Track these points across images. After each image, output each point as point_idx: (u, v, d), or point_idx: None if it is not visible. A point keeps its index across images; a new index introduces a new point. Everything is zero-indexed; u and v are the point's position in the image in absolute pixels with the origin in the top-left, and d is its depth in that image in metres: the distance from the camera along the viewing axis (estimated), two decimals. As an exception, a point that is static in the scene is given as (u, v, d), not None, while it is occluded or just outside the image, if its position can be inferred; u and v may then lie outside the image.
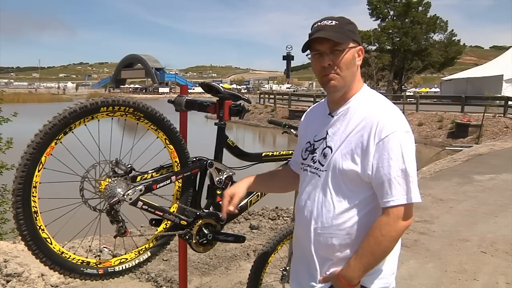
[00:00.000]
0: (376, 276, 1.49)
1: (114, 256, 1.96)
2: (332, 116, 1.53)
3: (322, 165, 1.50)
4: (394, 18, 41.76)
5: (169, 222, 1.90)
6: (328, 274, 1.50)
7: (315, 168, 1.53)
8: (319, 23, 1.48)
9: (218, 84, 2.08)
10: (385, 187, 1.38)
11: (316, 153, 1.53)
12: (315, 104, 1.73)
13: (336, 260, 1.49)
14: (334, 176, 1.46)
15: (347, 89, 1.49)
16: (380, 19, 42.47)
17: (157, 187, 1.76)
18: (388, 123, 1.39)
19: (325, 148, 1.50)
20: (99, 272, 1.70)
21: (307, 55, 1.51)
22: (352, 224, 1.45)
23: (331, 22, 1.45)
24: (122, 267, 1.78)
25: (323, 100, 1.66)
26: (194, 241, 1.92)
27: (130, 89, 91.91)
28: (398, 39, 41.48)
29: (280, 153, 2.32)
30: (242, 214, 2.73)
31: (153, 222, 1.92)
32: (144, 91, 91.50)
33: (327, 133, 1.51)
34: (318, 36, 1.43)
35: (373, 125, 1.40)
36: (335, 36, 1.42)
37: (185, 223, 1.89)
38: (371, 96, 1.52)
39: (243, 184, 1.81)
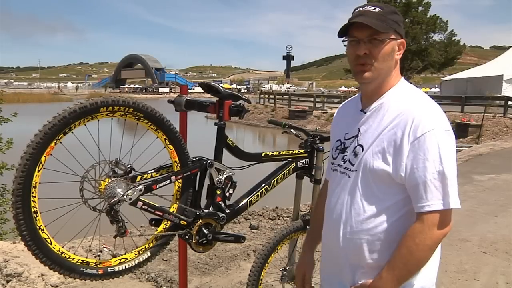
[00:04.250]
0: None
1: (114, 256, 1.96)
2: (365, 113, 1.42)
3: (353, 165, 1.39)
4: (394, 18, 41.71)
5: (169, 222, 1.90)
6: (359, 285, 1.39)
7: (345, 168, 1.43)
8: (361, 8, 1.37)
9: (218, 84, 2.07)
10: (419, 191, 1.26)
11: (347, 152, 1.43)
12: (347, 100, 1.63)
13: (368, 268, 1.37)
14: (364, 176, 1.35)
15: (381, 83, 1.39)
16: (380, 19, 42.40)
17: (157, 187, 1.76)
18: (425, 120, 1.28)
19: (356, 147, 1.40)
20: (99, 272, 1.69)
21: (342, 41, 1.41)
22: (383, 229, 1.34)
23: (374, 9, 1.34)
24: (122, 267, 1.77)
25: (356, 95, 1.56)
26: (194, 241, 1.92)
27: (127, 89, 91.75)
28: (398, 39, 41.44)
29: (280, 153, 2.31)
30: (242, 214, 2.72)
31: (153, 222, 1.92)
32: (144, 91, 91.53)
33: (359, 131, 1.41)
34: (358, 21, 1.32)
35: (408, 122, 1.29)
36: (376, 24, 1.31)
37: (185, 223, 1.89)
38: (408, 90, 1.40)
39: (309, 255, 1.70)
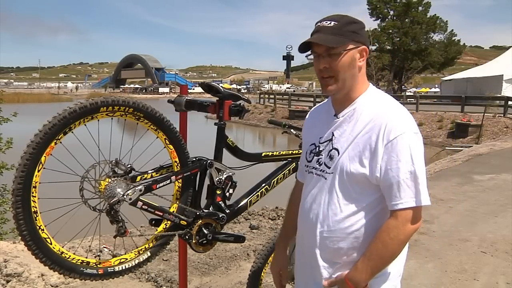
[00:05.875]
0: (383, 279, 1.47)
1: (114, 256, 1.96)
2: (338, 117, 1.49)
3: (329, 168, 1.47)
4: (394, 18, 41.70)
5: (169, 222, 1.90)
6: (334, 278, 1.47)
7: (320, 171, 1.50)
8: (318, 24, 1.45)
9: (218, 84, 2.07)
10: (393, 190, 1.36)
11: (322, 155, 1.50)
12: (318, 104, 1.69)
13: (343, 263, 1.47)
14: (341, 178, 1.43)
15: (349, 91, 1.46)
16: (380, 19, 42.39)
17: (157, 187, 1.76)
18: (397, 124, 1.37)
19: (331, 150, 1.47)
20: (99, 272, 1.70)
21: (306, 56, 1.47)
22: (359, 227, 1.43)
23: (329, 23, 1.41)
24: (122, 267, 1.78)
25: (327, 100, 1.61)
26: (194, 241, 1.92)
27: (123, 88, 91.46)
28: (398, 39, 41.43)
29: (280, 153, 2.32)
30: (242, 214, 2.73)
31: (153, 222, 1.92)
32: (144, 91, 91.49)
33: (333, 135, 1.48)
34: (311, 41, 1.41)
35: (381, 127, 1.37)
36: (328, 40, 1.38)
37: (185, 223, 1.89)
38: (378, 96, 1.48)
39: (282, 251, 1.78)
